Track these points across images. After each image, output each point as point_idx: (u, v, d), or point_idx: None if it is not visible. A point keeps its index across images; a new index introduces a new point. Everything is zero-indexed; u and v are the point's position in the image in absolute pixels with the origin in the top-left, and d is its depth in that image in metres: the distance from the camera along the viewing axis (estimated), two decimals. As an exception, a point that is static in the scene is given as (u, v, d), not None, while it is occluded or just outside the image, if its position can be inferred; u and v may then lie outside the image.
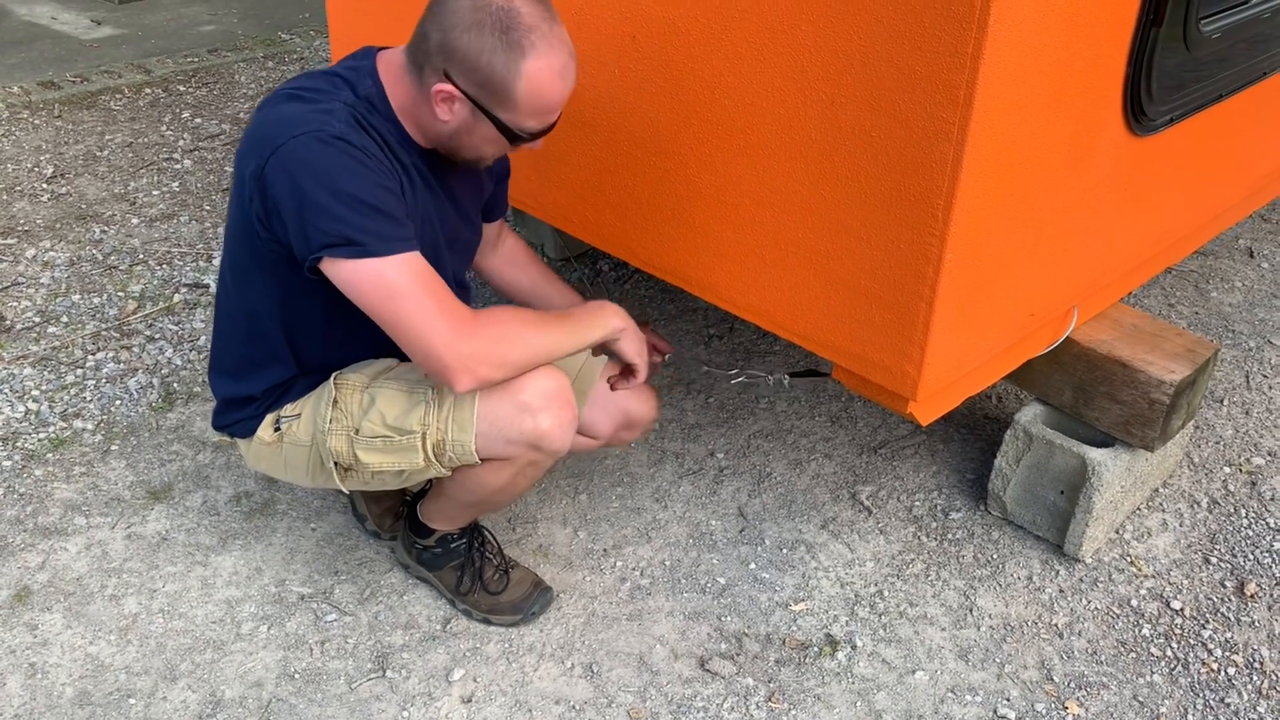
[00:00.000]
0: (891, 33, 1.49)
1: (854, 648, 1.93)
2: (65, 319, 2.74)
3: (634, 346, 1.76)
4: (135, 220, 3.23)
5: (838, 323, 1.76)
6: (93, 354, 2.61)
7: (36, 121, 3.86)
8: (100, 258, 3.02)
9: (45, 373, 2.53)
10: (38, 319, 2.73)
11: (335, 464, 1.68)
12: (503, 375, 1.56)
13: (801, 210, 1.72)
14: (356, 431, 1.65)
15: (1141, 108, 1.77)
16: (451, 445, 1.62)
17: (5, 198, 3.32)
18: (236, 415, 1.77)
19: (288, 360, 1.71)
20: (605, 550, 2.12)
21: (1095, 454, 2.02)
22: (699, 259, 1.95)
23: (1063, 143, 1.67)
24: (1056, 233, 1.79)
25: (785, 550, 2.14)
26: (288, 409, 1.73)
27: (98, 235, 3.14)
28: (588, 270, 3.06)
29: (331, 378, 1.69)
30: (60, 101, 4.04)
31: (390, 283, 1.45)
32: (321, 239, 1.45)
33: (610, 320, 1.72)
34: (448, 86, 1.50)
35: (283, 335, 1.68)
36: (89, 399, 2.45)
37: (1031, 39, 1.47)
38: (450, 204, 1.73)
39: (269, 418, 1.74)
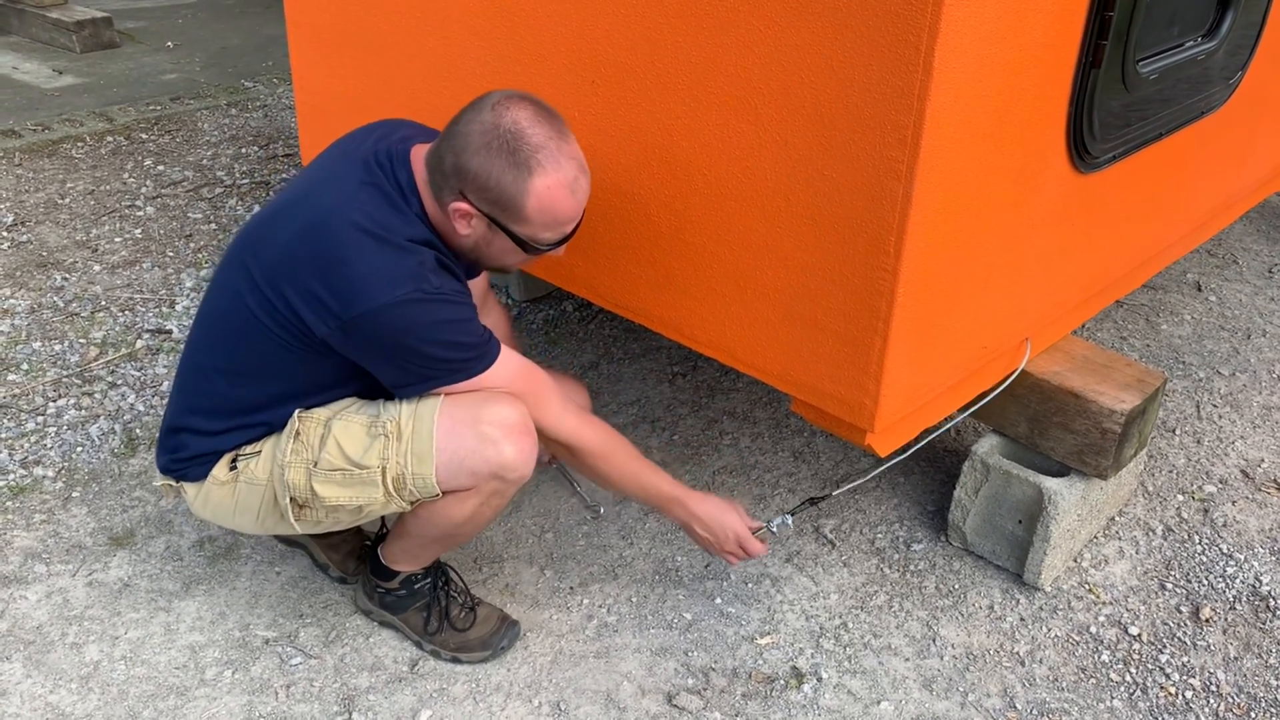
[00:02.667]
0: (840, 75, 1.54)
1: (820, 680, 1.94)
2: (25, 366, 2.72)
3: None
4: (97, 267, 3.22)
5: (796, 357, 1.80)
6: (54, 400, 2.59)
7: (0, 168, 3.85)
8: (61, 305, 3.01)
9: (5, 420, 2.51)
10: (-3, 367, 2.71)
11: (291, 499, 1.68)
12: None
13: (759, 248, 1.76)
14: (315, 464, 1.65)
15: (1085, 146, 1.83)
16: (412, 479, 1.63)
17: (-36, 246, 3.30)
18: (192, 453, 1.77)
19: (270, 411, 1.73)
20: (572, 588, 2.13)
21: (1051, 483, 2.07)
22: (660, 297, 1.98)
23: (1009, 180, 1.73)
24: (1006, 267, 1.84)
25: (750, 584, 2.15)
26: (248, 448, 1.73)
27: (59, 282, 3.13)
28: (553, 311, 3.09)
29: (295, 413, 1.70)
30: (21, 150, 4.03)
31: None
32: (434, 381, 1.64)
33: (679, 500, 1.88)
34: (464, 205, 1.59)
35: (279, 397, 1.71)
36: (50, 446, 2.43)
37: (975, 81, 1.52)
38: None
39: (226, 457, 1.74)
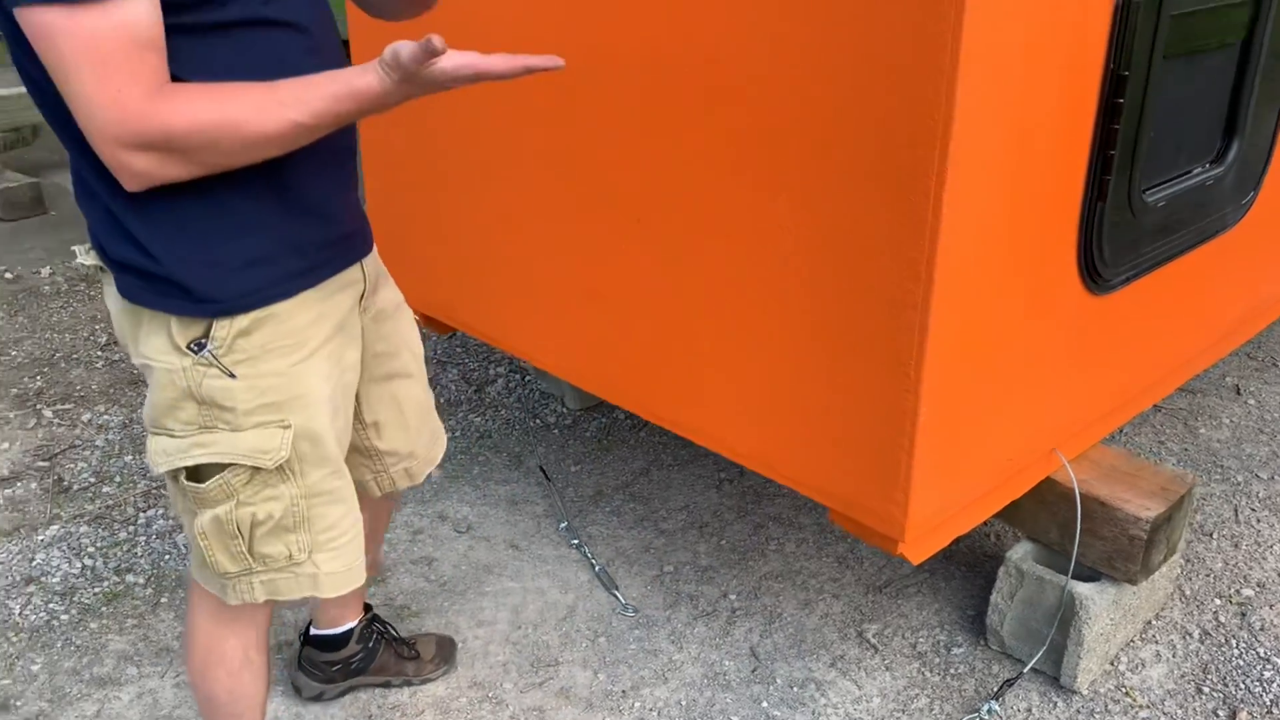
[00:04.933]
0: (856, 212, 1.70)
1: (861, 781, 2.02)
2: (118, 479, 2.94)
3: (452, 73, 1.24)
4: (183, 383, 3.46)
5: (830, 471, 1.93)
6: (144, 511, 2.79)
7: (92, 293, 4.15)
8: (151, 420, 3.24)
9: (100, 530, 2.71)
10: (93, 479, 2.93)
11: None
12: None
13: (791, 368, 1.90)
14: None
15: (1096, 270, 1.97)
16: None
17: (64, 365, 3.57)
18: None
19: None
20: (624, 691, 2.24)
21: (1082, 588, 2.15)
22: (702, 411, 2.13)
23: (1022, 305, 1.86)
24: (1025, 385, 1.97)
25: (796, 688, 2.25)
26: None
27: (132, 362, 3.37)
28: (605, 419, 3.25)
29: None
30: (114, 273, 4.34)
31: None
32: None
33: (357, 86, 1.26)
34: None
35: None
36: (140, 554, 2.62)
37: (985, 214, 1.68)
38: None
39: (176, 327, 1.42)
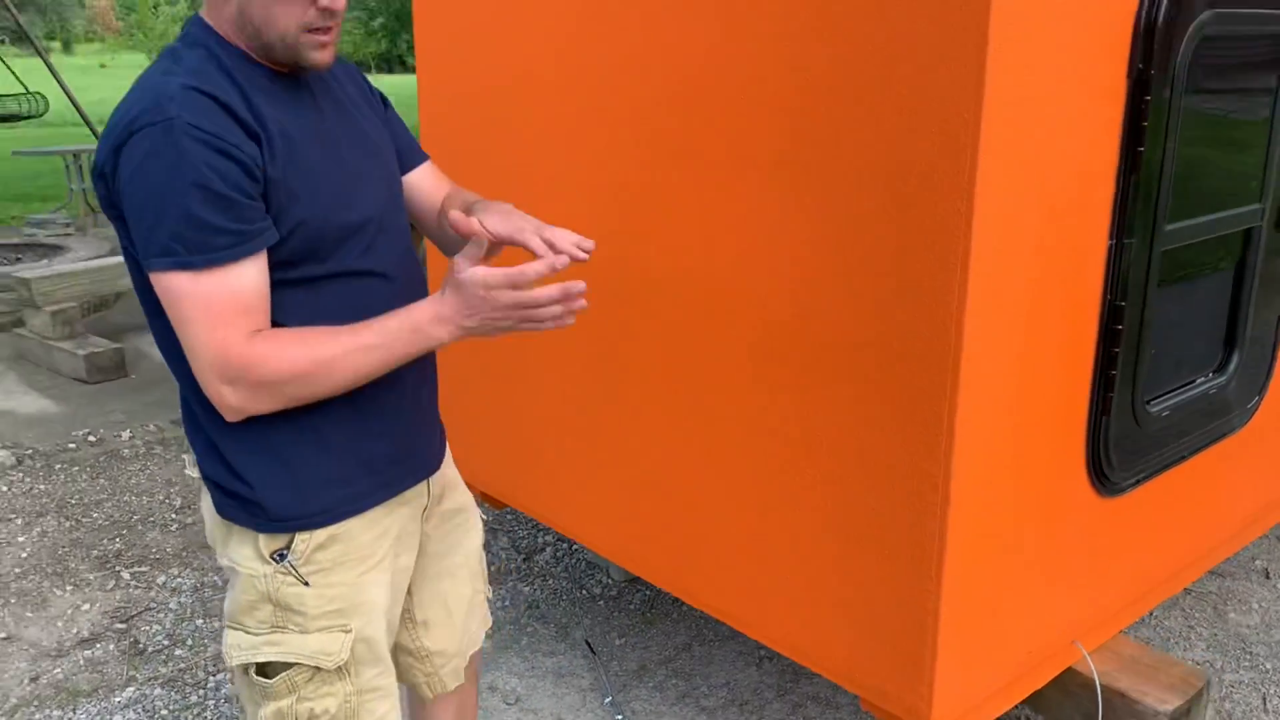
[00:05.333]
0: (874, 432, 1.89)
1: None
2: (190, 641, 3.12)
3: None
4: (251, 548, 3.67)
5: (857, 659, 2.07)
6: (213, 675, 2.96)
7: (168, 456, 4.42)
8: (220, 584, 3.44)
9: (173, 693, 2.88)
10: (167, 642, 3.11)
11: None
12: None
13: (820, 560, 2.07)
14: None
15: (1104, 475, 2.14)
16: None
17: (140, 528, 3.80)
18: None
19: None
20: None
21: (1107, 778, 2.24)
22: (736, 596, 2.29)
23: (1035, 508, 2.03)
24: (1042, 581, 2.11)
25: None
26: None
27: (218, 563, 3.57)
28: (650, 592, 3.39)
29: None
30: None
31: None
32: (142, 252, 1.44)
33: (416, 319, 1.49)
34: None
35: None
36: (210, 718, 2.78)
37: (995, 429, 1.87)
38: (338, 112, 1.62)
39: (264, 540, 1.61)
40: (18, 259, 7.12)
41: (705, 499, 2.29)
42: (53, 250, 7.24)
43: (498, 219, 1.55)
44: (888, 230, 1.80)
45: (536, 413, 2.69)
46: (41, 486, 4.14)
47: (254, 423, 1.53)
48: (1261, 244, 2.38)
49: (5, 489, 4.12)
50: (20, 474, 4.25)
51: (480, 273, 1.43)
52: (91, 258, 6.68)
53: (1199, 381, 2.38)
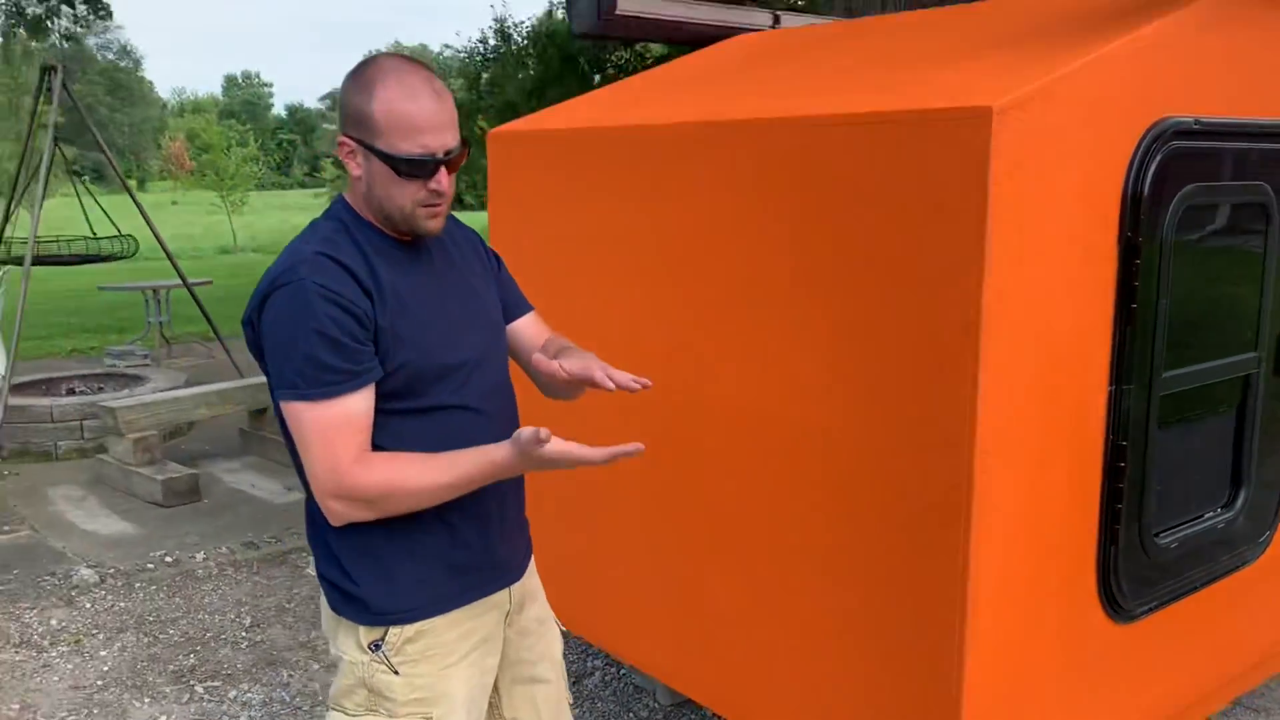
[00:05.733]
0: (896, 561, 2.09)
1: None
2: (259, 753, 3.30)
3: (554, 457, 1.70)
4: (315, 666, 3.87)
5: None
6: (281, 785, 3.13)
7: (239, 577, 4.66)
8: (288, 699, 3.63)
9: (243, 801, 3.05)
10: (238, 753, 3.30)
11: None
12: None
13: (854, 684, 2.24)
14: None
15: (1117, 602, 2.30)
16: None
17: (213, 644, 4.02)
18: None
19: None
20: None
21: None
22: (780, 717, 2.45)
23: (1051, 634, 2.20)
24: (1060, 707, 2.26)
25: None
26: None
27: (285, 679, 3.77)
28: (695, 716, 3.53)
29: None
30: (258, 559, 4.87)
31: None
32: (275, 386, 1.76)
33: (495, 459, 1.73)
34: (342, 138, 1.77)
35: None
36: (277, 826, 2.95)
37: (1008, 561, 2.06)
38: (450, 272, 1.91)
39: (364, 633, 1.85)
40: (100, 388, 7.55)
41: (746, 619, 2.48)
42: (132, 380, 7.67)
43: (574, 361, 1.82)
44: (906, 378, 2.04)
45: (586, 536, 2.91)
46: (122, 604, 4.40)
47: (361, 529, 1.79)
48: (1260, 389, 2.58)
49: (89, 605, 4.38)
50: (103, 591, 4.52)
51: (525, 433, 1.67)
52: (168, 389, 7.08)
53: (1207, 516, 2.55)
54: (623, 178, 2.68)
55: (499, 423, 1.93)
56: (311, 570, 4.75)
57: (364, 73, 1.77)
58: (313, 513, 1.89)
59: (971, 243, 1.90)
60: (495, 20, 19.73)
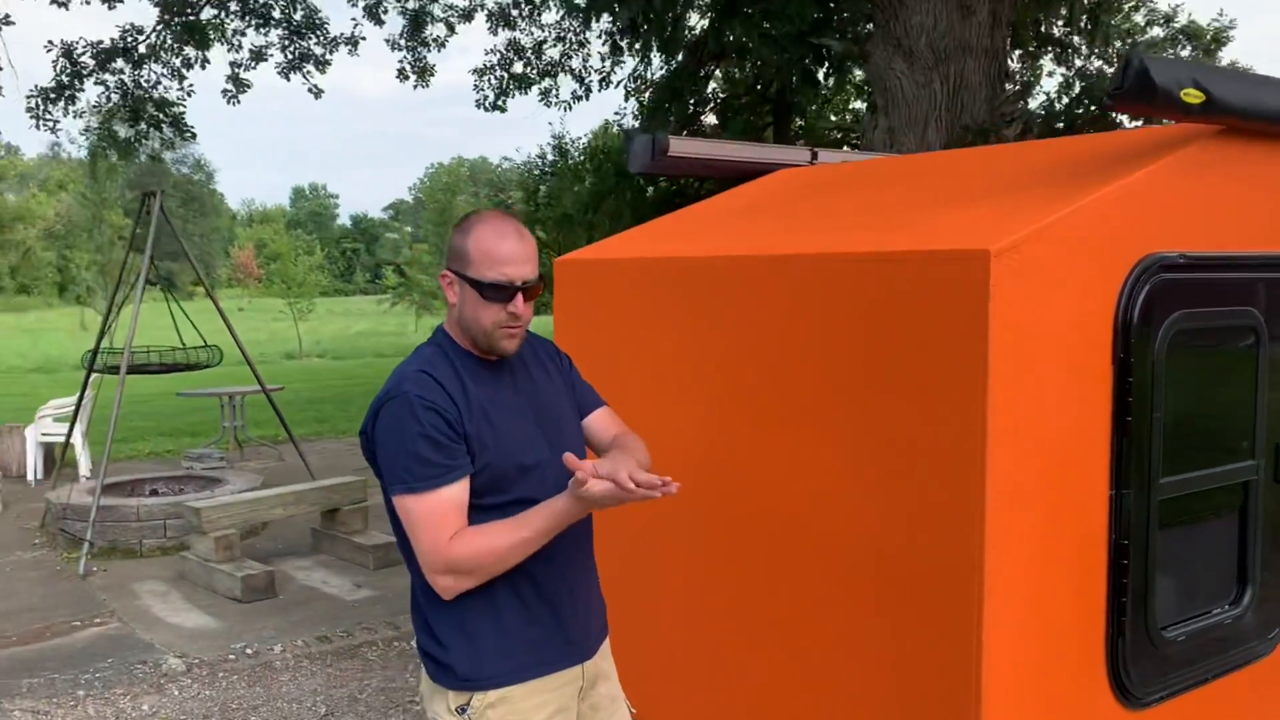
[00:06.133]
0: (914, 648, 2.34)
1: None
2: (336, 832, 3.55)
3: (604, 493, 1.99)
4: (386, 752, 4.13)
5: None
6: None
7: (313, 669, 4.95)
8: (361, 782, 3.89)
9: None
10: (317, 831, 3.55)
11: None
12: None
13: (885, 760, 2.47)
14: None
15: (1127, 690, 2.51)
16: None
17: (290, 731, 4.30)
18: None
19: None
20: None
21: None
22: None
23: (1065, 717, 2.41)
24: (1077, 782, 2.46)
25: None
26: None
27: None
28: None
29: None
30: (331, 652, 5.17)
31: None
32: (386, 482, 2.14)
33: (560, 509, 2.06)
34: (443, 272, 2.18)
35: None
36: None
37: (1020, 650, 2.29)
38: (528, 385, 2.27)
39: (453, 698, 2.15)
40: (181, 489, 7.99)
41: (781, 700, 2.72)
42: (211, 482, 8.10)
43: (606, 464, 2.09)
44: (921, 483, 2.32)
45: (641, 620, 3.18)
46: (208, 691, 4.70)
47: (451, 606, 2.12)
48: (1261, 495, 2.81)
49: (177, 692, 4.69)
50: (189, 680, 4.83)
51: (574, 480, 2.00)
52: (246, 490, 7.48)
53: (1215, 612, 2.75)
54: (673, 303, 3.02)
55: None
56: (380, 662, 5.04)
57: (466, 220, 2.20)
58: (416, 595, 2.22)
59: (975, 366, 2.20)
60: (554, 137, 20.57)
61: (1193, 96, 2.40)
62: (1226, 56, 19.09)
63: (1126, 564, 2.46)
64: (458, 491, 2.08)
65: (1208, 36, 18.69)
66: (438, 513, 2.06)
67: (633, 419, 3.11)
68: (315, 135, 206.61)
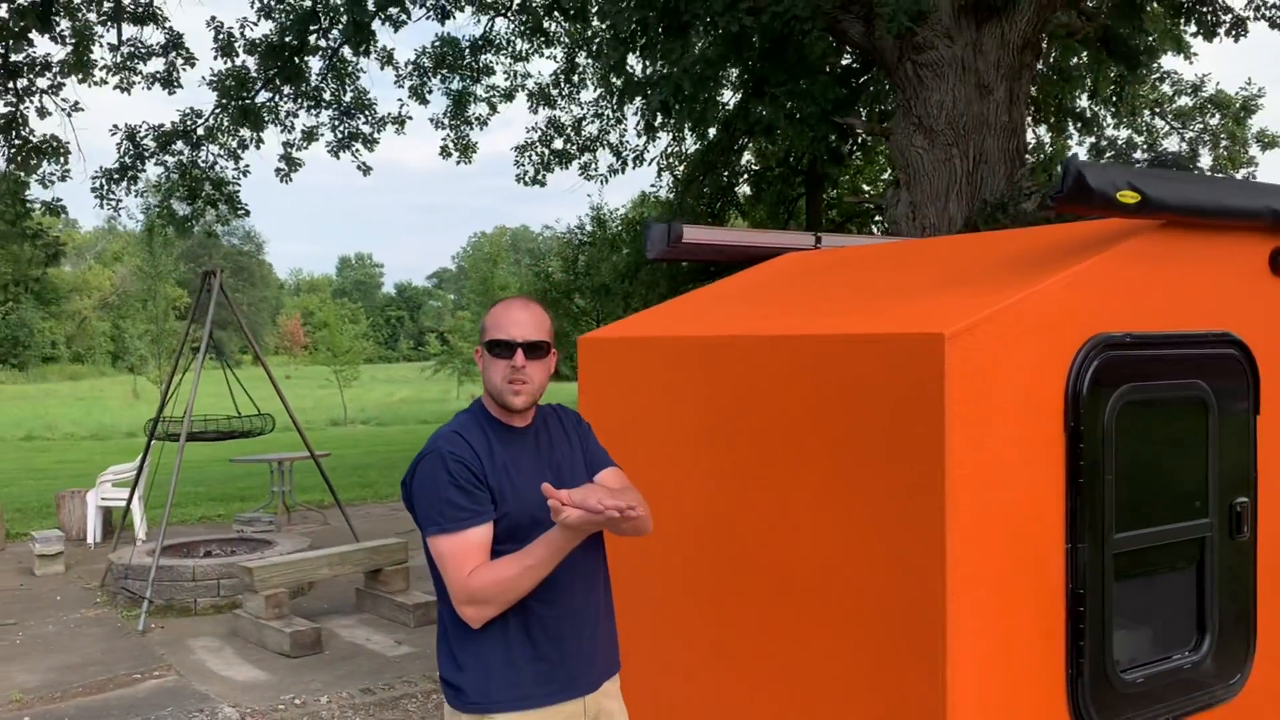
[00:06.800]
0: (884, 690, 2.63)
1: None
2: None
3: (579, 520, 2.27)
4: (424, 795, 4.42)
5: None
6: None
7: (357, 719, 5.27)
8: (401, 821, 4.18)
9: None
10: None
11: None
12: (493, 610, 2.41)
13: (868, 788, 2.75)
14: None
15: (1089, 729, 2.78)
16: None
17: (336, 775, 4.61)
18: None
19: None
20: None
21: None
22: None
23: (1027, 749, 2.68)
24: (1042, 810, 2.72)
25: None
26: None
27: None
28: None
29: None
30: (373, 704, 5.48)
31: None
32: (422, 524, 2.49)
33: (553, 537, 2.35)
34: (476, 348, 2.60)
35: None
36: None
37: (983, 688, 2.58)
38: (547, 449, 2.60)
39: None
40: (233, 551, 8.39)
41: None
42: (262, 544, 8.50)
43: (580, 491, 2.34)
44: (891, 536, 2.64)
45: (646, 660, 3.48)
46: (260, 739, 5.04)
47: (471, 636, 2.47)
48: (1216, 550, 3.08)
49: (232, 739, 5.03)
50: (243, 728, 5.17)
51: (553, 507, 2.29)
52: (294, 551, 7.87)
53: (1175, 657, 3.01)
54: (679, 377, 3.38)
55: (586, 551, 2.57)
56: (419, 713, 5.35)
57: (493, 305, 2.61)
58: (443, 626, 2.56)
59: (934, 435, 2.53)
60: (592, 208, 21.18)
61: (1129, 197, 2.75)
62: (1257, 124, 19.34)
63: (1083, 610, 2.75)
64: (481, 534, 2.44)
65: (1236, 105, 18.98)
66: (462, 551, 2.41)
67: (645, 480, 3.46)
68: (361, 206, 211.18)
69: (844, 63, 13.99)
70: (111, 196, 14.35)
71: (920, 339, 2.58)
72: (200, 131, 14.65)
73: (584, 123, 17.15)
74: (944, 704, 2.54)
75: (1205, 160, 19.16)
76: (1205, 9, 12.24)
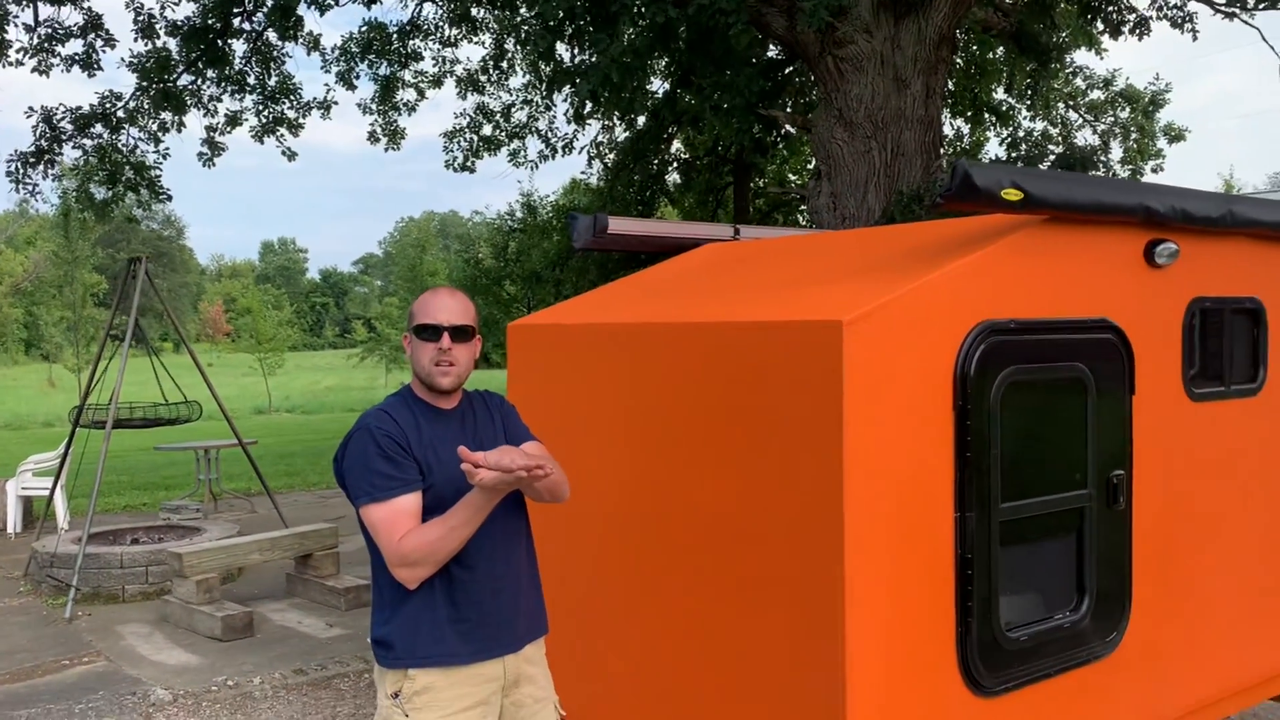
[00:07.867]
0: (783, 650, 2.86)
1: None
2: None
3: (493, 480, 2.42)
4: (358, 768, 4.56)
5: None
6: None
7: (290, 698, 5.38)
8: (335, 793, 4.32)
9: None
10: (296, 833, 3.97)
11: None
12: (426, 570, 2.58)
13: (776, 741, 2.97)
14: None
15: (977, 680, 3.03)
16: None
17: (270, 752, 4.72)
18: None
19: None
20: None
21: None
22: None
23: (922, 705, 2.93)
24: (934, 757, 2.97)
25: None
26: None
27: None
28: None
29: None
30: (306, 684, 5.59)
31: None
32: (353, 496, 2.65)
33: (472, 499, 2.52)
34: (404, 336, 2.77)
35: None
36: None
37: (878, 646, 2.81)
38: (472, 428, 2.76)
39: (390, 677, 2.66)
40: (161, 539, 8.38)
41: (686, 695, 3.22)
42: (190, 531, 8.50)
43: (495, 453, 2.45)
44: (794, 507, 2.86)
45: (569, 627, 3.67)
46: (193, 719, 5.12)
47: (403, 596, 2.64)
48: (1095, 519, 3.36)
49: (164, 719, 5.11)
50: (176, 709, 5.24)
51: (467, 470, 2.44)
52: (224, 537, 7.90)
53: (1057, 617, 3.29)
54: (601, 362, 3.57)
55: (506, 521, 2.75)
56: (352, 692, 5.48)
57: (420, 293, 2.77)
58: (376, 591, 2.72)
59: (833, 413, 2.75)
60: (522, 195, 21.20)
61: (1012, 194, 2.99)
62: (1165, 118, 20.08)
63: (971, 574, 3.00)
64: (410, 501, 2.60)
65: (1145, 99, 19.70)
66: (393, 517, 2.58)
67: (571, 460, 3.64)
68: (285, 189, 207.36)
69: (769, 55, 14.25)
70: (28, 180, 14.04)
71: (820, 325, 2.80)
72: (120, 114, 14.40)
73: (513, 109, 17.19)
74: (843, 663, 2.77)
75: (1116, 152, 19.86)
76: (1111, 8, 12.74)
